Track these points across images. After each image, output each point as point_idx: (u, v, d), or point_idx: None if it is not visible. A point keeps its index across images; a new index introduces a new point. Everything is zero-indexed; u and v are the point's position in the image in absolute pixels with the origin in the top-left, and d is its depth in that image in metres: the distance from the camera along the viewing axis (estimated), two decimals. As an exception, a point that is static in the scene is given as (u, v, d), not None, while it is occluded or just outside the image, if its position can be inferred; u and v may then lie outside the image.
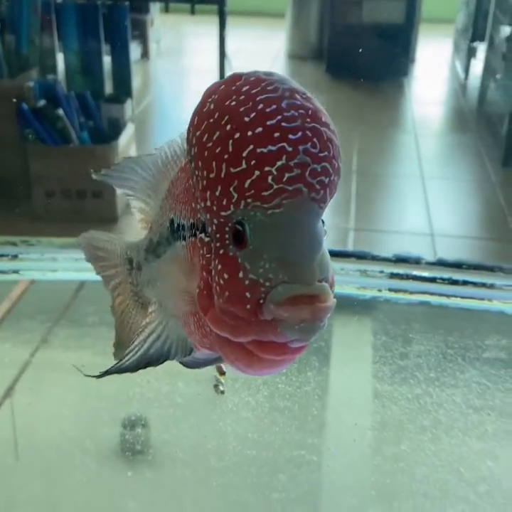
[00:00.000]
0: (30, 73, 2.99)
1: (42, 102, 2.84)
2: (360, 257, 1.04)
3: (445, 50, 5.70)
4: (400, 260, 0.99)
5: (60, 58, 3.06)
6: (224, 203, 0.50)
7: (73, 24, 2.96)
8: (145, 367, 0.66)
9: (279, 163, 0.48)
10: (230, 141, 0.49)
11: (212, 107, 0.51)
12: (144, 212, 0.77)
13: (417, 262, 1.00)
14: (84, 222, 2.82)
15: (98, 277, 0.83)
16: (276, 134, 0.48)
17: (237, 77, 0.52)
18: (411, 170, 3.59)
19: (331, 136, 0.50)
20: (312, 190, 0.49)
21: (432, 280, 0.94)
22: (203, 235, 0.55)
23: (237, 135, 0.48)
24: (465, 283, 0.96)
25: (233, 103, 0.50)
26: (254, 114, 0.48)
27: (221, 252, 0.52)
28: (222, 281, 0.51)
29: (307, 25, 5.42)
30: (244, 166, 0.48)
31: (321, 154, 0.49)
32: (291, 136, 0.48)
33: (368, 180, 3.46)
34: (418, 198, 3.26)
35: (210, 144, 0.50)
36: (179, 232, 0.61)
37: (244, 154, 0.48)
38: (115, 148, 2.87)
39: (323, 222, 0.52)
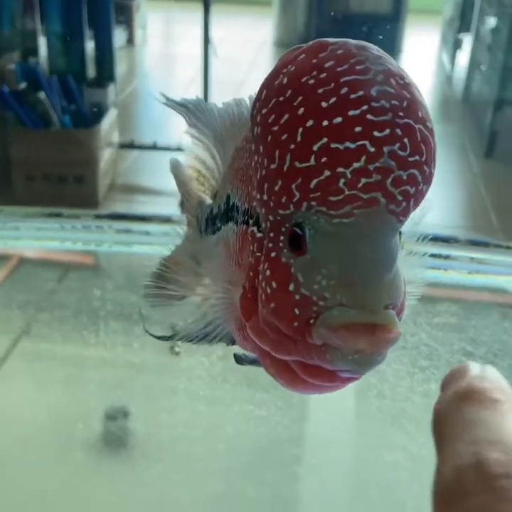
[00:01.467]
0: (12, 56, 2.96)
1: (23, 85, 2.82)
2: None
3: (433, 41, 5.71)
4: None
5: (42, 41, 3.03)
6: (283, 200, 0.41)
7: (56, 7, 2.93)
8: (197, 342, 0.56)
9: (355, 164, 0.39)
10: (300, 129, 0.40)
11: (285, 81, 0.42)
12: (208, 170, 0.66)
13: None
14: (64, 206, 2.81)
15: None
16: (358, 129, 0.39)
17: (322, 45, 0.43)
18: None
19: (426, 135, 0.41)
20: (392, 202, 0.40)
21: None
22: (255, 228, 0.47)
23: (309, 123, 0.40)
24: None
25: (311, 81, 0.41)
26: (334, 99, 0.39)
27: (273, 255, 0.44)
28: (269, 290, 0.44)
29: (295, 14, 5.41)
30: (312, 162, 0.39)
31: (411, 159, 0.40)
32: (376, 134, 0.39)
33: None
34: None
35: (276, 128, 0.41)
36: (232, 213, 0.53)
37: (314, 148, 0.39)
38: (97, 133, 2.85)
39: (400, 235, 0.43)
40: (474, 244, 0.97)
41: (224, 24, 5.00)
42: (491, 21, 3.73)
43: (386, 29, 4.73)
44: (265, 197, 0.42)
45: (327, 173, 0.39)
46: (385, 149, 0.39)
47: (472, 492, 0.34)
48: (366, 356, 0.41)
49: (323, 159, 0.39)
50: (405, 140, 0.39)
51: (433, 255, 0.94)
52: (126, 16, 4.83)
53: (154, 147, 3.21)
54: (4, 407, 1.10)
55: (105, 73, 3.07)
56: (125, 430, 1.06)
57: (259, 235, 0.46)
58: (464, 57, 4.59)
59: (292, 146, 0.40)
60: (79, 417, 1.07)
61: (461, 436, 0.38)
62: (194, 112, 0.61)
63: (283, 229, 0.43)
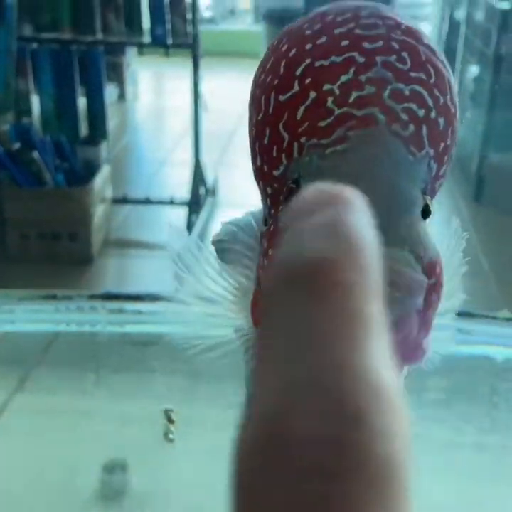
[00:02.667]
0: (6, 117, 3.01)
1: (17, 145, 2.86)
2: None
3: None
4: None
5: (35, 102, 3.09)
6: (274, 153, 0.35)
7: (48, 69, 3.00)
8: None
9: (343, 77, 0.33)
10: (283, 62, 0.35)
11: (280, 36, 0.37)
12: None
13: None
14: (59, 264, 2.82)
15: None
16: (345, 43, 0.33)
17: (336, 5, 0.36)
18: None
19: (434, 61, 0.34)
20: (394, 120, 0.33)
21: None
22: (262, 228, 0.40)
23: (292, 52, 0.34)
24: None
25: (299, 23, 0.36)
26: (319, 25, 0.34)
27: (272, 229, 0.37)
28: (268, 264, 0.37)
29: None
30: (296, 87, 0.34)
31: (413, 74, 0.33)
32: (366, 45, 0.33)
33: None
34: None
35: (262, 77, 0.36)
36: None
37: (297, 72, 0.34)
38: (90, 190, 2.88)
39: (424, 193, 0.35)
40: (460, 314, 0.99)
41: (214, 77, 5.10)
42: (473, 70, 3.83)
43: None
44: (259, 162, 0.37)
45: (313, 94, 0.34)
46: (378, 59, 0.33)
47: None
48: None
49: (307, 80, 0.34)
50: (404, 54, 0.33)
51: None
52: (117, 72, 4.93)
53: (147, 201, 3.25)
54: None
55: (97, 131, 3.13)
56: (123, 483, 1.05)
57: (264, 228, 0.39)
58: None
59: (276, 82, 0.35)
60: (76, 470, 1.06)
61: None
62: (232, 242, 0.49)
63: (281, 197, 0.36)
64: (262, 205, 0.41)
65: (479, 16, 3.77)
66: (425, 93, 0.34)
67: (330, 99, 0.33)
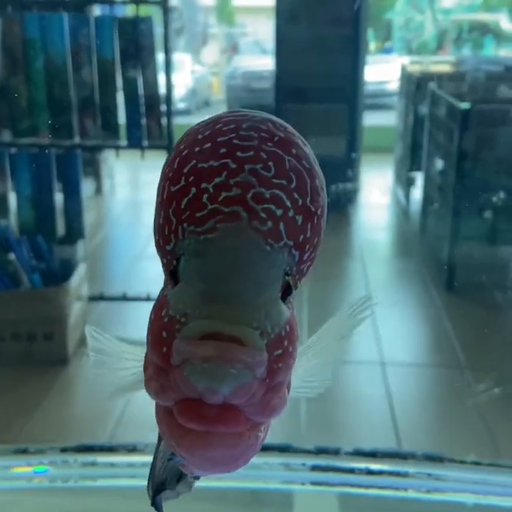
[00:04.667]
0: (-17, 218, 3.05)
1: (-7, 247, 2.88)
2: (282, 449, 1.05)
3: (387, 177, 6.02)
4: (321, 451, 1.02)
5: (12, 203, 3.14)
6: (166, 231, 0.43)
7: (26, 171, 3.06)
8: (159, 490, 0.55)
9: (217, 179, 0.41)
10: (177, 159, 0.43)
11: (184, 134, 0.45)
12: None
13: (336, 452, 1.02)
14: (34, 365, 2.79)
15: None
16: (223, 150, 0.41)
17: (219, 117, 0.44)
18: (360, 297, 3.69)
19: (299, 170, 0.42)
20: (254, 218, 0.40)
21: (350, 471, 0.96)
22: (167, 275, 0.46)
23: (185, 152, 0.43)
24: (381, 473, 0.98)
25: (196, 127, 0.44)
26: (209, 132, 0.43)
27: (161, 295, 0.44)
28: (149, 325, 0.43)
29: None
30: (183, 182, 0.42)
31: (275, 180, 0.41)
32: (239, 154, 0.41)
33: (320, 309, 3.54)
34: (367, 325, 3.34)
35: (165, 168, 0.44)
36: None
37: (185, 170, 0.42)
38: (66, 290, 2.89)
39: (287, 274, 0.42)
40: (430, 459, 1.00)
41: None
42: (439, 164, 3.98)
43: (342, 170, 4.98)
44: (156, 236, 0.44)
45: (194, 190, 0.41)
46: (246, 167, 0.41)
47: None
48: (215, 365, 0.39)
49: (191, 178, 0.41)
50: (270, 163, 0.41)
51: (391, 473, 0.96)
52: (94, 167, 5.04)
53: (124, 298, 3.26)
54: None
55: (74, 230, 3.16)
56: None
57: (165, 277, 0.45)
58: (417, 193, 4.84)
59: (170, 174, 0.43)
60: None
61: None
62: None
63: (171, 268, 0.43)
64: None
65: (441, 112, 3.96)
66: (284, 196, 0.41)
67: (205, 196, 0.41)
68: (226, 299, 0.40)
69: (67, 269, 3.01)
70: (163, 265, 0.45)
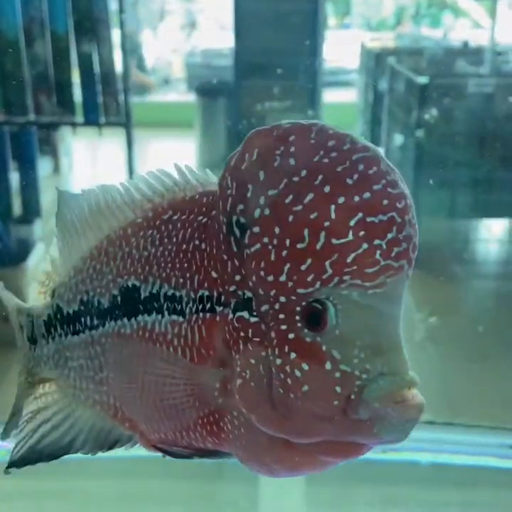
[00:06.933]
0: None
1: None
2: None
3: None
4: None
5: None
6: (309, 279, 0.42)
7: (-21, 149, 2.98)
8: (35, 462, 0.56)
9: (389, 235, 0.42)
10: (333, 207, 0.41)
11: (291, 161, 0.43)
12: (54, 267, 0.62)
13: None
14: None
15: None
16: (386, 202, 0.42)
17: (304, 128, 0.44)
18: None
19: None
20: (410, 266, 0.44)
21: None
22: (244, 313, 0.45)
23: (341, 200, 0.41)
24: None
25: (325, 160, 0.42)
26: (356, 176, 0.42)
27: (291, 336, 0.43)
28: (298, 373, 0.42)
29: (216, 135, 5.64)
30: (350, 237, 0.41)
31: (416, 225, 0.45)
32: (398, 205, 0.43)
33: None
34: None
35: (300, 208, 0.42)
36: (157, 304, 0.50)
37: (351, 223, 0.41)
38: (24, 270, 2.84)
39: None
40: None
41: (147, 148, 5.15)
42: (398, 139, 4.00)
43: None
44: (282, 278, 0.42)
45: (365, 246, 0.42)
46: (406, 218, 0.43)
47: None
48: (413, 422, 0.42)
49: (361, 233, 0.42)
50: (412, 210, 0.44)
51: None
52: (51, 145, 4.92)
53: (83, 278, 3.21)
54: None
55: (31, 210, 3.10)
56: None
57: (253, 319, 0.44)
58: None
59: (326, 224, 0.41)
60: None
61: None
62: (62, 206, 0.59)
63: (298, 308, 0.43)
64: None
65: (400, 88, 3.97)
66: (416, 239, 0.45)
67: (378, 252, 0.42)
68: (395, 351, 0.42)
69: (24, 249, 2.95)
70: (274, 303, 0.43)
